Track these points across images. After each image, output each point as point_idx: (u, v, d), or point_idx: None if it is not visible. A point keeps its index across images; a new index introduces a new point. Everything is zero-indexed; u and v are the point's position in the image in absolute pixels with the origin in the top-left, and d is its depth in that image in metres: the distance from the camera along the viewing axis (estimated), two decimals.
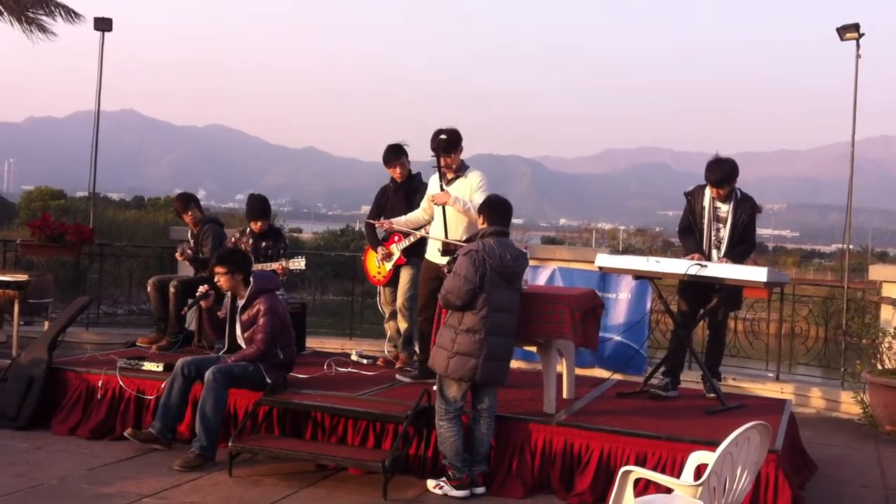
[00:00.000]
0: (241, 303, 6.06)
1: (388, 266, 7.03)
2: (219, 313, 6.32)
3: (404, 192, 6.96)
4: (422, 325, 6.39)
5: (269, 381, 5.86)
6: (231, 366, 5.81)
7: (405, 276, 6.91)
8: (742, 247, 6.43)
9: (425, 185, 6.89)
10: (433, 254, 6.32)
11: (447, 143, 6.16)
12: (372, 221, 6.90)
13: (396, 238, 6.93)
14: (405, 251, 6.91)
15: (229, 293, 6.18)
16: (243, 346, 6.03)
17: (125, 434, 5.86)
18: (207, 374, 5.70)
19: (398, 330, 7.13)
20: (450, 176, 6.26)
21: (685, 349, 6.70)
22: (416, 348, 7.00)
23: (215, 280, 6.11)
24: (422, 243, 6.63)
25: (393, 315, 7.20)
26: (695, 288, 6.32)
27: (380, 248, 7.03)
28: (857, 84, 8.67)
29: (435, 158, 6.21)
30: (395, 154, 6.96)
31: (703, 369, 6.55)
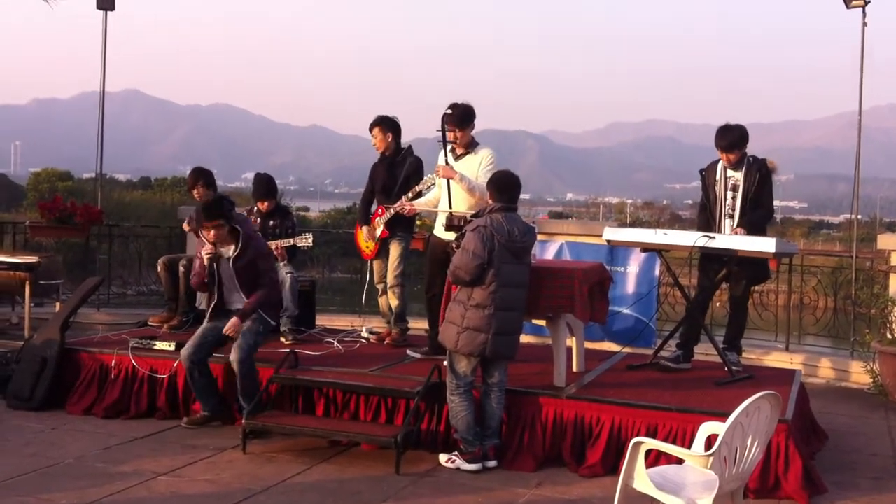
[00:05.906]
0: (232, 253, 5.98)
1: (374, 240, 6.96)
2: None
3: (387, 164, 6.90)
4: (430, 301, 6.41)
5: (272, 322, 6.10)
6: (243, 346, 5.81)
7: (394, 252, 6.82)
8: (758, 212, 6.38)
9: (417, 160, 6.85)
10: (440, 229, 6.33)
11: (458, 117, 6.14)
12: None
13: (380, 211, 6.86)
14: (388, 224, 6.79)
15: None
16: (242, 295, 6.02)
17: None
18: (235, 365, 5.77)
19: (390, 307, 7.03)
20: (459, 151, 6.24)
21: (700, 322, 6.65)
22: (409, 324, 7.08)
23: (206, 234, 5.97)
24: (408, 217, 6.70)
25: (385, 290, 7.12)
26: (717, 263, 6.29)
27: (365, 228, 6.98)
28: (864, 52, 8.58)
29: (441, 132, 6.17)
30: (374, 123, 6.94)
31: (713, 343, 6.54)
